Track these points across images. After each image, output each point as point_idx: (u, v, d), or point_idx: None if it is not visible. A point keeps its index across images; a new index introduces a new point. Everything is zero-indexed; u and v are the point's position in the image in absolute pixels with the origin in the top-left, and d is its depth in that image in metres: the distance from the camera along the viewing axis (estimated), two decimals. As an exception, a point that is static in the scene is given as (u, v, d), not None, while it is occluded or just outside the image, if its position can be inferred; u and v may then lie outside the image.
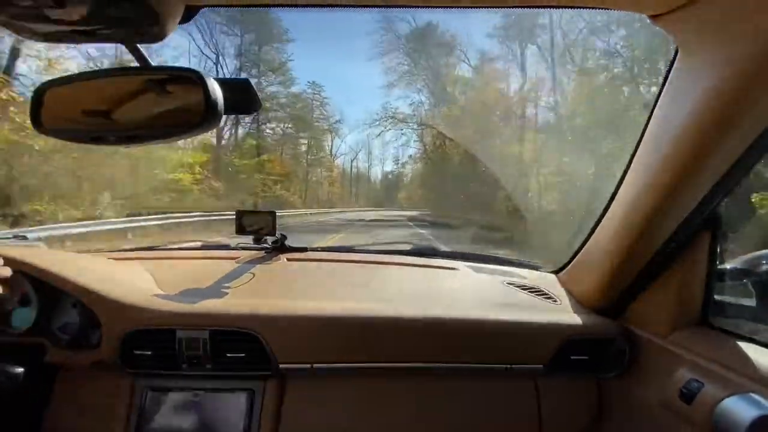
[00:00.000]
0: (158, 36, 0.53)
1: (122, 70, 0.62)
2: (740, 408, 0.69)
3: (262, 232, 1.28)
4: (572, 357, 1.02)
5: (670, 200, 0.78)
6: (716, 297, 0.91)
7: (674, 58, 0.71)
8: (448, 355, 1.01)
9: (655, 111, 0.78)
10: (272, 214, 1.28)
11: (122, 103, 0.63)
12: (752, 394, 0.70)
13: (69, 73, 0.63)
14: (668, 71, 0.73)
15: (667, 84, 0.74)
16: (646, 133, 0.81)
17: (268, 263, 1.28)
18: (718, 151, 0.68)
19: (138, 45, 0.56)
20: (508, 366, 1.02)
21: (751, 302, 0.89)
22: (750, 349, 0.78)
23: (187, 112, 0.60)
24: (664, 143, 0.74)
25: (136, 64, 0.58)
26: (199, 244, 1.57)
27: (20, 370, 0.81)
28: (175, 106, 0.63)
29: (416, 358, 1.01)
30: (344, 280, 1.21)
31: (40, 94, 0.63)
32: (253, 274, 1.17)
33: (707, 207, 0.79)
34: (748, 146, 0.67)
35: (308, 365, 0.97)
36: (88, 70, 0.61)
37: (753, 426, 0.66)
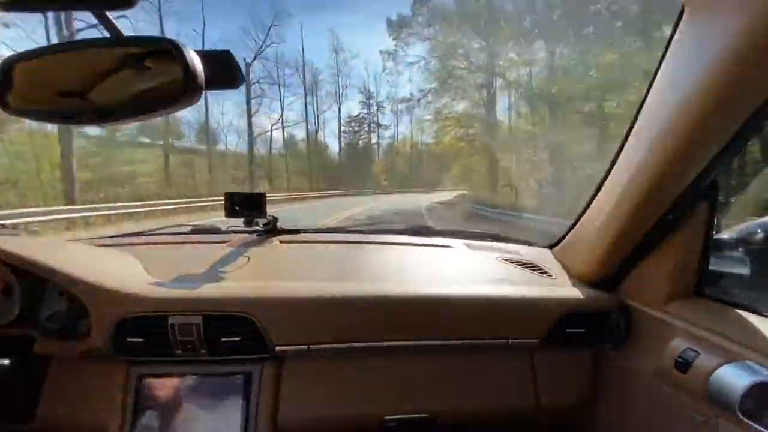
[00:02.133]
0: (130, 2, 0.49)
1: (93, 42, 0.57)
2: (736, 375, 0.70)
3: (253, 215, 1.25)
4: (568, 330, 1.03)
5: (670, 170, 0.76)
6: (711, 267, 0.91)
7: (679, 17, 0.67)
8: (445, 332, 1.01)
9: (657, 75, 0.74)
10: (262, 195, 1.24)
11: (97, 81, 0.59)
12: (748, 362, 0.71)
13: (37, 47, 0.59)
14: (673, 31, 0.69)
15: (671, 45, 0.70)
16: (647, 100, 0.78)
17: (260, 246, 1.25)
18: (723, 117, 0.65)
19: (107, 13, 0.52)
20: (505, 341, 1.02)
21: (746, 271, 0.89)
22: (745, 318, 0.78)
23: (166, 87, 0.57)
24: (666, 110, 0.71)
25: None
26: (188, 228, 1.53)
27: (5, 361, 0.79)
28: (153, 82, 0.59)
29: (412, 336, 1.00)
30: (338, 261, 1.19)
31: (5, 70, 0.58)
32: (246, 258, 1.15)
33: (708, 176, 0.77)
34: (753, 112, 0.64)
35: (305, 347, 0.96)
36: (57, 43, 0.57)
37: (748, 392, 0.67)
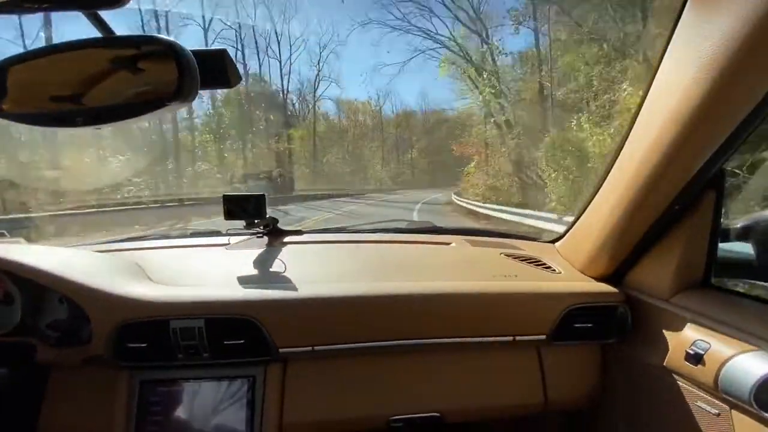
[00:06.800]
0: (119, 0, 0.48)
1: (86, 42, 0.56)
2: (749, 366, 0.68)
3: (252, 217, 1.23)
4: (575, 325, 1.02)
5: (675, 160, 0.74)
6: (719, 257, 0.89)
7: (682, 7, 0.66)
8: (450, 330, 1.00)
9: (661, 65, 0.73)
10: (261, 197, 1.23)
11: (92, 85, 0.58)
12: (761, 351, 0.69)
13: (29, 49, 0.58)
14: (675, 21, 0.68)
15: (674, 35, 0.69)
16: (651, 90, 0.76)
17: (261, 248, 1.24)
18: (727, 106, 0.64)
19: (98, 11, 0.51)
20: (512, 338, 1.01)
21: (754, 261, 0.88)
22: (756, 308, 0.77)
23: (160, 87, 0.56)
24: (670, 100, 0.70)
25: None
26: (188, 231, 1.52)
27: (5, 371, 0.78)
28: (147, 82, 0.58)
29: (417, 334, 0.99)
30: (340, 261, 1.18)
31: None
32: (247, 260, 1.14)
33: (714, 166, 0.76)
34: (760, 99, 0.63)
35: (309, 348, 0.95)
36: (49, 45, 0.56)
37: (763, 382, 0.65)
